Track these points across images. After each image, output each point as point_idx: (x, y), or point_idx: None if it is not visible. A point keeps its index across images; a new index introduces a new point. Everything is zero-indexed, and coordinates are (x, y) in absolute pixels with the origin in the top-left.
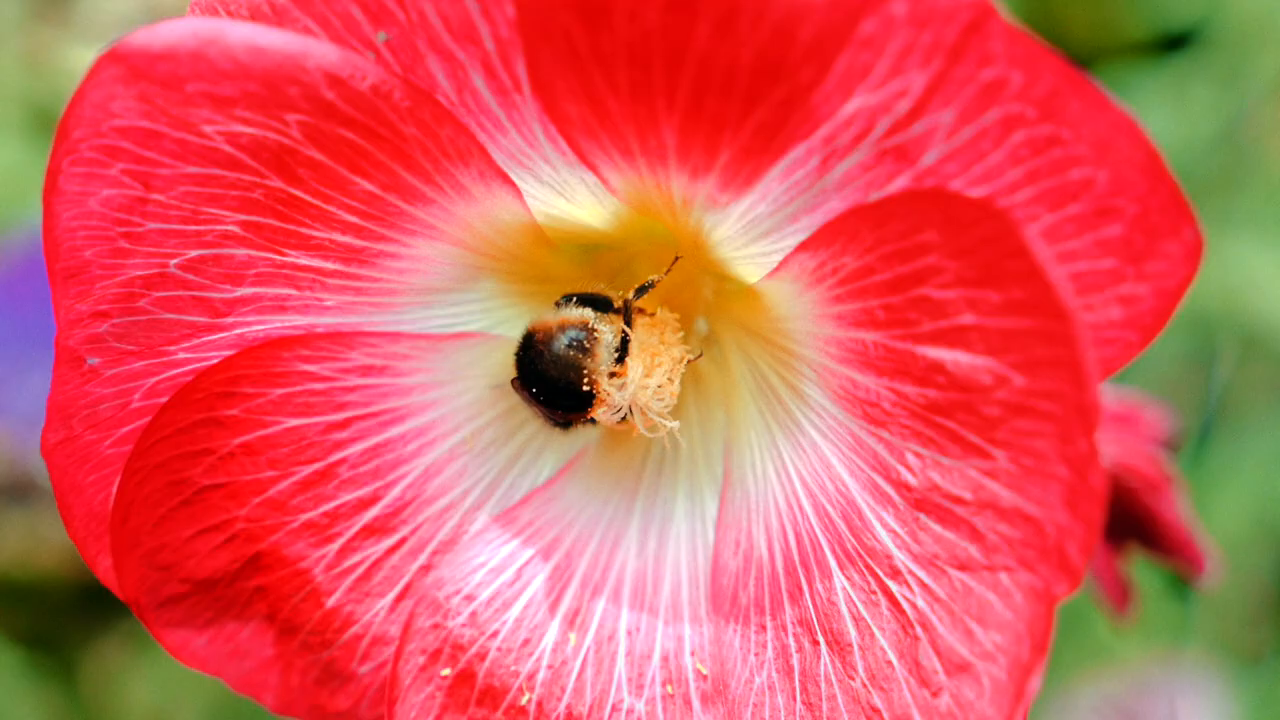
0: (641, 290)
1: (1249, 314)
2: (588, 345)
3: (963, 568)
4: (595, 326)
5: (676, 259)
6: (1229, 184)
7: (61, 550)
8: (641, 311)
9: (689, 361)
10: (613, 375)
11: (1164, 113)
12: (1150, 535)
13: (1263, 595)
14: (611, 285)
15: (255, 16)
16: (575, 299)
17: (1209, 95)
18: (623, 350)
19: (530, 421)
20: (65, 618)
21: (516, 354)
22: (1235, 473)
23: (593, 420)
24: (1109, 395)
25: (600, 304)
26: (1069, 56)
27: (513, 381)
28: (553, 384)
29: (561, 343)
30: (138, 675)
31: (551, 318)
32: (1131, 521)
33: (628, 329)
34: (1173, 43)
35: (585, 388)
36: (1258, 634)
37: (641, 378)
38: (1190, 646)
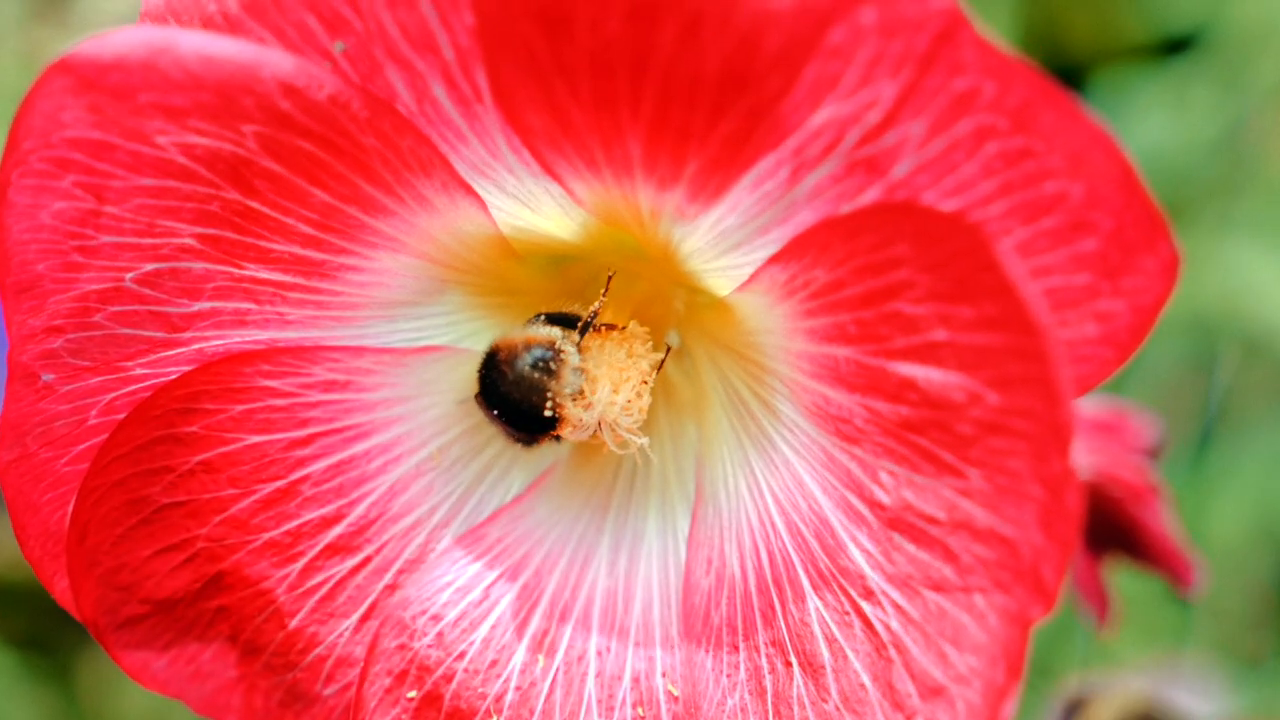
0: (587, 324)
1: (1249, 318)
2: (553, 367)
3: (937, 589)
4: (561, 347)
5: (610, 278)
6: (1229, 188)
7: None
8: (611, 326)
9: (659, 362)
10: (577, 396)
11: (1164, 116)
12: (1135, 545)
13: (1263, 598)
14: (581, 298)
15: (208, 26)
16: (544, 318)
17: (1210, 99)
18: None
19: (498, 437)
20: (62, 621)
21: (479, 371)
22: (1235, 476)
23: (558, 438)
24: (1094, 404)
25: (572, 323)
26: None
27: (476, 397)
28: (514, 405)
29: (525, 363)
30: None
31: (517, 335)
32: (1116, 531)
33: (578, 355)
34: (1174, 46)
35: (548, 412)
36: (1258, 637)
37: (609, 394)
38: (1190, 649)
